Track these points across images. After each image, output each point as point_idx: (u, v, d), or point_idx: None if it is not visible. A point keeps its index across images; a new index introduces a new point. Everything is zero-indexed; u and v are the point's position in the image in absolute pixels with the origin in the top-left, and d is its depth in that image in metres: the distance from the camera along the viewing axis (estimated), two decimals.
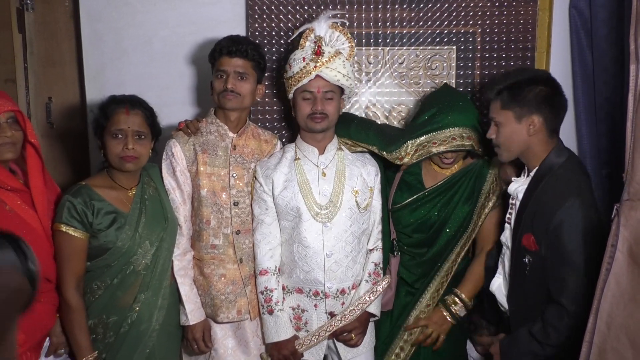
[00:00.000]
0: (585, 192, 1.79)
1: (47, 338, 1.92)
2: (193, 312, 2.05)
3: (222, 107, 2.08)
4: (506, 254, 2.00)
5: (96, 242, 1.89)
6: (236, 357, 2.10)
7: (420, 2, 2.38)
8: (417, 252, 2.21)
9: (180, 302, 2.07)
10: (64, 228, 1.84)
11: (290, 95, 2.08)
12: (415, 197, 2.18)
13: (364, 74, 2.43)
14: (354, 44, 2.07)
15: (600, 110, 2.31)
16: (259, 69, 2.09)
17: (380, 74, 2.43)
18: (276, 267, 2.07)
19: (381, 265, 2.15)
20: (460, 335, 2.26)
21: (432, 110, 2.13)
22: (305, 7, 2.39)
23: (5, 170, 1.83)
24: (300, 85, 2.00)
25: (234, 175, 2.08)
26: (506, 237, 2.00)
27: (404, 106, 2.44)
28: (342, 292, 2.06)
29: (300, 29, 2.07)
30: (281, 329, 2.04)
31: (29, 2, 2.77)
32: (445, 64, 2.41)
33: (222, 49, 2.03)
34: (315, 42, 2.01)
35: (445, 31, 2.39)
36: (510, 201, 2.00)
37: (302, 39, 2.04)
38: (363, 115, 2.45)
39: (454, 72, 2.41)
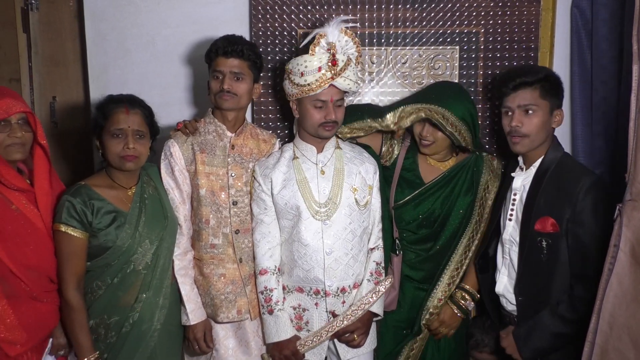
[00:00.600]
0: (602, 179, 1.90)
1: (50, 339, 1.93)
2: (194, 312, 2.05)
3: (219, 108, 2.08)
4: (512, 249, 2.02)
5: (96, 242, 1.88)
6: (237, 357, 2.10)
7: (424, 2, 2.38)
8: (423, 248, 2.22)
9: (181, 301, 2.07)
10: (63, 228, 1.84)
11: (293, 98, 2.06)
12: (416, 192, 2.20)
13: (367, 73, 2.43)
14: (360, 48, 2.06)
15: (597, 110, 2.31)
16: (255, 68, 2.09)
17: (383, 73, 2.43)
18: (276, 266, 2.07)
19: (383, 265, 2.15)
20: (461, 329, 2.27)
21: (424, 89, 2.25)
22: (309, 7, 2.40)
23: (13, 170, 1.84)
24: (312, 94, 1.99)
25: (233, 174, 2.08)
26: (509, 233, 2.02)
27: None
28: (343, 290, 2.06)
29: (312, 34, 2.03)
30: (281, 329, 2.03)
31: (33, 2, 2.78)
32: (448, 64, 2.41)
33: (217, 49, 2.02)
34: (329, 50, 1.97)
35: (449, 31, 2.39)
36: (513, 196, 2.02)
37: (312, 45, 2.00)
38: None
39: (457, 72, 2.41)
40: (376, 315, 2.11)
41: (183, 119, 2.17)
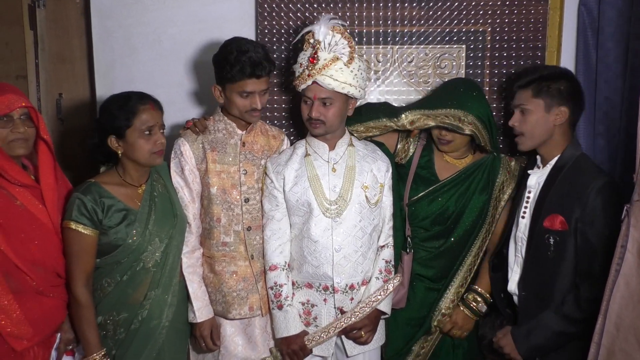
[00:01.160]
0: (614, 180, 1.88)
1: (58, 334, 1.94)
2: (201, 310, 2.05)
3: (246, 121, 2.09)
4: (523, 247, 2.04)
5: (106, 239, 1.89)
6: (246, 353, 2.11)
7: (430, 1, 2.38)
8: (434, 245, 2.22)
9: (188, 299, 2.07)
10: (73, 225, 1.85)
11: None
12: (431, 188, 2.20)
13: (373, 72, 2.42)
14: (354, 47, 2.01)
15: (599, 109, 2.30)
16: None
17: (389, 72, 2.43)
18: (285, 262, 2.08)
19: (393, 263, 2.15)
20: (474, 328, 2.26)
21: (438, 90, 2.24)
22: (315, 6, 2.39)
23: (17, 166, 1.85)
24: (300, 89, 2.04)
25: (244, 172, 2.09)
26: (522, 230, 2.05)
27: None
28: (351, 287, 2.07)
29: (302, 32, 2.06)
30: (290, 324, 2.05)
31: None
32: (454, 63, 2.40)
33: (244, 71, 1.96)
34: (313, 47, 2.00)
35: (455, 30, 2.38)
36: (527, 194, 2.03)
37: (305, 42, 2.03)
38: None
39: (463, 71, 2.40)
40: (384, 313, 2.12)
41: (192, 117, 2.17)
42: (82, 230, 1.85)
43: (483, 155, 2.24)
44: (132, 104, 1.90)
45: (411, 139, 2.27)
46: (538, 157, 2.06)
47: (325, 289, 2.06)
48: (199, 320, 2.05)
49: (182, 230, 2.05)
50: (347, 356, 2.13)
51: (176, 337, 2.06)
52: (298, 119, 2.36)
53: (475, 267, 2.21)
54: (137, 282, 1.94)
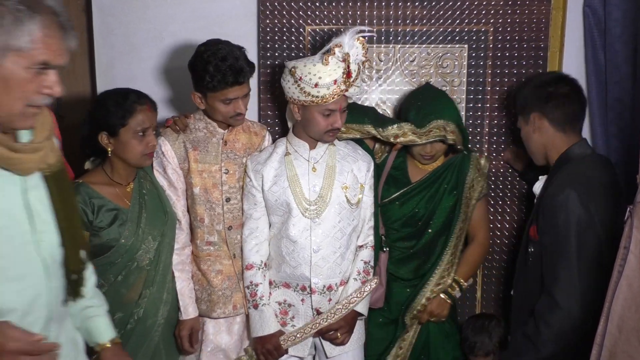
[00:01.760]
0: (584, 187, 1.77)
1: None
2: (186, 308, 2.05)
3: (230, 125, 2.07)
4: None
5: (98, 240, 1.87)
6: (228, 354, 2.11)
7: (432, 0, 2.36)
8: (406, 246, 2.24)
9: None
10: None
11: (299, 104, 1.98)
12: (402, 191, 2.22)
13: (374, 71, 2.41)
14: (367, 52, 1.99)
15: (611, 111, 2.29)
16: None
17: (391, 71, 2.42)
18: (262, 261, 2.07)
19: (372, 264, 2.13)
20: (451, 317, 2.29)
21: (416, 104, 2.19)
22: (317, 4, 2.38)
23: None
24: (324, 105, 1.95)
25: (226, 171, 2.07)
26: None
27: None
28: (329, 288, 2.06)
29: (328, 45, 1.94)
30: (265, 324, 2.04)
31: None
32: (456, 63, 2.40)
33: (226, 80, 1.90)
34: (344, 61, 1.92)
35: (457, 29, 2.37)
36: (535, 201, 2.03)
37: (326, 54, 1.93)
38: None
39: (465, 71, 2.39)
40: (360, 315, 2.10)
41: (172, 115, 2.15)
42: None
43: (453, 155, 2.26)
44: (129, 103, 1.87)
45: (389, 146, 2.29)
46: None
47: (303, 289, 2.05)
48: (181, 318, 2.05)
49: (173, 227, 2.04)
50: (327, 357, 2.12)
51: (171, 335, 2.06)
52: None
53: (454, 265, 2.21)
54: (131, 282, 1.93)
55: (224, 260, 2.09)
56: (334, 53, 1.91)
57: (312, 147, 2.07)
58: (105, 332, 1.55)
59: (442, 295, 2.19)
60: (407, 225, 2.23)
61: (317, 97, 1.93)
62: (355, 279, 2.09)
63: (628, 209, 1.33)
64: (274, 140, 2.23)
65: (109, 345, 1.54)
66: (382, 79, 2.42)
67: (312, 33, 2.39)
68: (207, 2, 2.47)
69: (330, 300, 2.07)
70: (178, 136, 2.06)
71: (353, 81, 1.95)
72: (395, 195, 2.23)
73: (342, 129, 2.14)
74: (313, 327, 2.05)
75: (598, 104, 2.34)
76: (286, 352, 2.08)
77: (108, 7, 2.49)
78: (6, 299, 1.24)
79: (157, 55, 2.52)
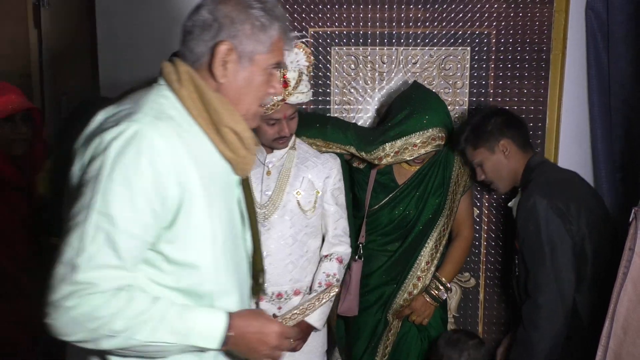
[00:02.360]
0: (548, 189, 1.89)
1: None
2: None
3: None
4: None
5: None
6: None
7: (435, 3, 2.37)
8: (392, 249, 2.22)
9: None
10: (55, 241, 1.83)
11: None
12: (391, 195, 2.20)
13: (377, 73, 2.42)
14: (311, 56, 1.94)
15: (616, 113, 2.29)
16: None
17: (393, 74, 2.42)
18: None
19: (338, 277, 2.03)
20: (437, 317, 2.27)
21: (404, 111, 2.13)
22: (320, 6, 2.39)
23: (12, 167, 1.84)
24: (267, 115, 1.86)
25: None
26: None
27: None
28: (279, 296, 1.99)
29: None
30: None
31: None
32: (459, 65, 2.40)
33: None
34: (280, 71, 1.83)
35: (460, 32, 2.38)
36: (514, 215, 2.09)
37: None
38: (374, 116, 2.45)
39: (468, 73, 2.40)
40: (313, 328, 1.99)
41: None
42: None
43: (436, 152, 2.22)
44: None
45: None
46: None
47: None
48: None
49: None
50: None
51: None
52: None
53: (436, 260, 2.19)
54: None
55: None
56: None
57: (270, 151, 2.01)
58: None
59: (426, 298, 2.17)
60: (398, 227, 2.21)
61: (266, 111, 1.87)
62: (315, 291, 2.00)
63: (633, 211, 1.34)
64: None
65: None
66: (384, 81, 2.43)
67: (315, 35, 2.40)
68: None
69: (280, 308, 1.98)
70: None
71: (293, 89, 1.88)
72: (384, 200, 2.20)
73: (321, 143, 2.10)
74: None
75: (599, 107, 2.34)
76: None
77: (112, 9, 2.50)
78: (230, 292, 1.24)
79: (160, 58, 2.49)
